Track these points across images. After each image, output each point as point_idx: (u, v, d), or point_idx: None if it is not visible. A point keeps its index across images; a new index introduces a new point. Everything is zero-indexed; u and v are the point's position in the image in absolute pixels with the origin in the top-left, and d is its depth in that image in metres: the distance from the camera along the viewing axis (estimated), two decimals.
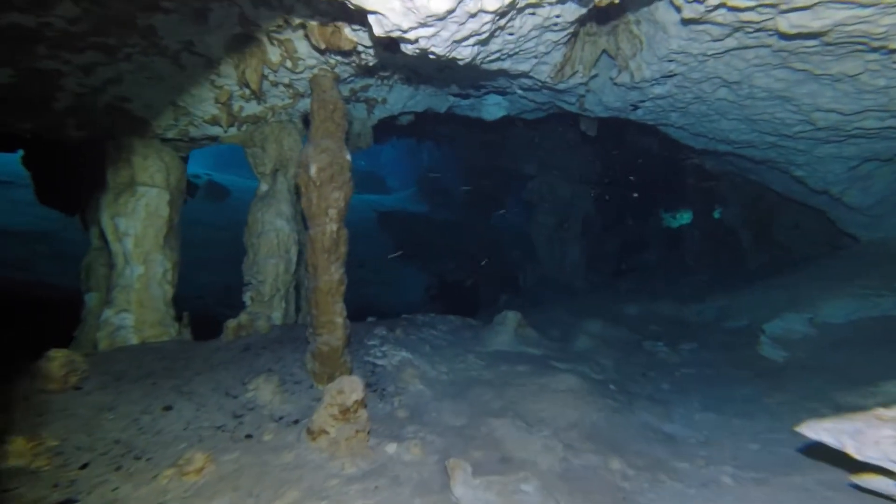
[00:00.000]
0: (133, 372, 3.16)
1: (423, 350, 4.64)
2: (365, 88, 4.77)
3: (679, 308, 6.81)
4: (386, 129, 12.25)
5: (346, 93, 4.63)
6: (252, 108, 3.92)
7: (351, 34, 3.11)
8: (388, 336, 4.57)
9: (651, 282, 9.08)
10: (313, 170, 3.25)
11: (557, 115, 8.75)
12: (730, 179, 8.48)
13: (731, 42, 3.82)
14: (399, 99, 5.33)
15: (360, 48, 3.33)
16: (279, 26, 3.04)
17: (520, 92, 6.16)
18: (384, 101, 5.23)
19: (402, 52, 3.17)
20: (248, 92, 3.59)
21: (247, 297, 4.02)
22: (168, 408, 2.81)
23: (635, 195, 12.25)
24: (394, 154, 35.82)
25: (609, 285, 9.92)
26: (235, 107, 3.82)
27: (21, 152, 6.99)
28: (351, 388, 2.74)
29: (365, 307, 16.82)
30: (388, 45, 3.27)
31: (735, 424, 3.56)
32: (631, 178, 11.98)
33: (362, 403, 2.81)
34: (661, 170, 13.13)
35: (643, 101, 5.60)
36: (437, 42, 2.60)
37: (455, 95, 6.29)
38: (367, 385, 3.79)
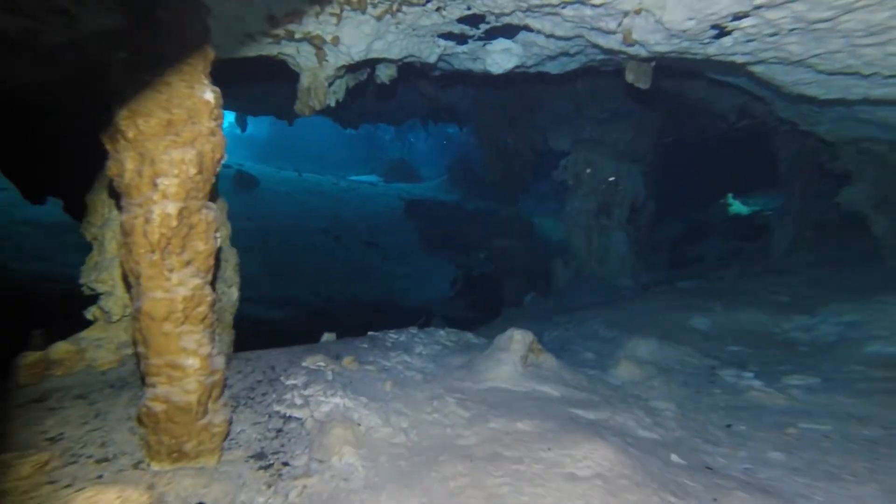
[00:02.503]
0: None
1: (379, 391, 3.19)
2: (295, 17, 3.33)
3: (774, 321, 4.79)
4: (391, 104, 10.77)
5: (260, 22, 3.22)
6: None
7: None
8: (324, 370, 3.16)
9: (719, 282, 6.97)
10: (121, 114, 1.87)
11: (595, 69, 6.85)
12: (858, 147, 6.12)
13: None
14: (357, 38, 3.84)
15: None
16: None
17: (534, 25, 4.43)
18: (335, 40, 3.77)
19: None
20: None
21: (89, 315, 2.78)
22: None
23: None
24: (429, 143, 34.93)
25: (665, 283, 7.89)
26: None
27: None
28: None
29: (387, 303, 15.84)
30: None
31: None
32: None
33: None
34: (741, 142, 10.65)
35: (740, 19, 3.57)
36: None
37: (445, 37, 4.69)
38: (259, 456, 2.41)
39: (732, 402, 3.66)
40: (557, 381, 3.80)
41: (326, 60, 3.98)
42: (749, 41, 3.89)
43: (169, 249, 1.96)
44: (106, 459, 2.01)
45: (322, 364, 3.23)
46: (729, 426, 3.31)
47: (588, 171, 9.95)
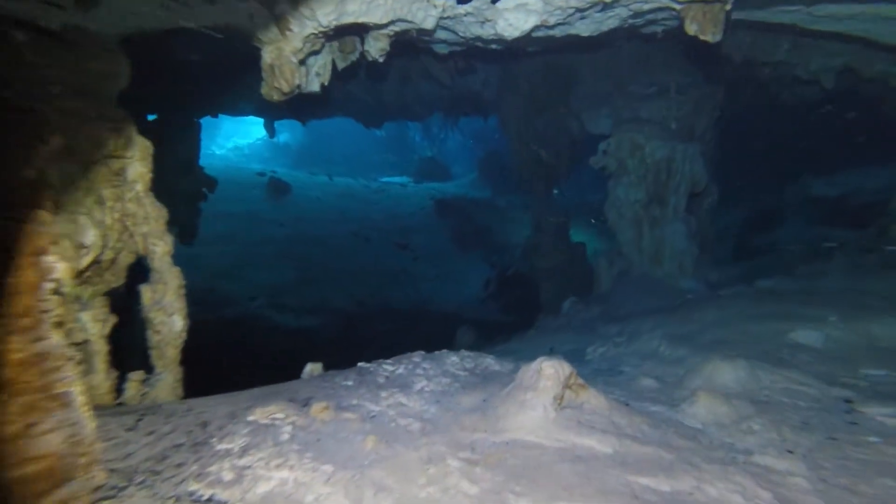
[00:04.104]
0: None
1: (356, 451, 2.34)
2: None
3: None
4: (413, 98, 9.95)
5: None
6: None
7: None
8: (279, 425, 2.34)
9: (819, 280, 5.50)
10: None
11: (637, 32, 5.68)
12: None
13: None
14: None
15: None
16: None
17: None
18: (295, 3, 2.97)
19: None
20: None
21: None
22: None
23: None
24: (458, 140, 34.35)
25: (740, 283, 6.47)
26: None
27: None
28: None
29: (418, 306, 15.17)
30: None
31: None
32: None
33: None
34: (826, 113, 8.90)
35: None
36: None
37: None
38: None
39: None
40: (607, 430, 2.77)
41: (290, 30, 3.20)
42: None
43: None
44: None
45: (279, 416, 2.42)
46: None
47: (634, 155, 8.65)
